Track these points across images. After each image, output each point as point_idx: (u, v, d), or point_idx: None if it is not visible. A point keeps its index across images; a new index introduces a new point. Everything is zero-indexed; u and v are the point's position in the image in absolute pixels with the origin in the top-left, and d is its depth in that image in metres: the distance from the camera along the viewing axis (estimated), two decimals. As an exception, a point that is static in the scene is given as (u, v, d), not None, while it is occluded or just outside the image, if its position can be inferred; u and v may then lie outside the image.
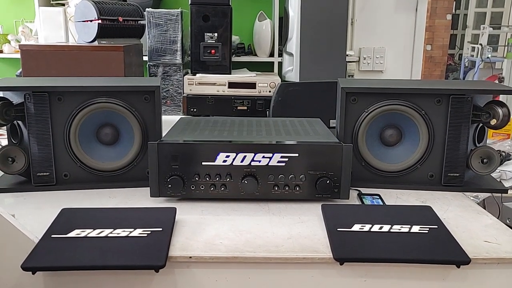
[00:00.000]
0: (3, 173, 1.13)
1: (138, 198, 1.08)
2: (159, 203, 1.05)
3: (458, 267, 0.81)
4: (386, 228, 0.89)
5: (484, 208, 1.32)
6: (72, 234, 0.84)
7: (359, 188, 1.14)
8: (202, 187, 1.04)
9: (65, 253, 0.79)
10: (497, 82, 4.51)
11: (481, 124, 1.16)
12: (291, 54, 2.48)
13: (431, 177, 1.16)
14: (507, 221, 1.79)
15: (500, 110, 1.11)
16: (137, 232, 0.85)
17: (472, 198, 1.36)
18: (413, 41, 3.16)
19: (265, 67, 2.83)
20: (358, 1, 3.07)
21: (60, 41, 2.37)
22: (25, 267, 0.75)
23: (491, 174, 1.18)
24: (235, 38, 2.76)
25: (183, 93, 2.28)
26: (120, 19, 2.03)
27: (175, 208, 0.96)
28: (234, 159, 1.02)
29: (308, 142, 1.05)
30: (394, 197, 1.11)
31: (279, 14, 2.76)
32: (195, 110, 2.25)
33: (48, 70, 1.80)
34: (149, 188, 1.04)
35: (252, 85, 2.26)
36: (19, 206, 1.04)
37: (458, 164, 1.13)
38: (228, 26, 2.27)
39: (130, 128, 1.13)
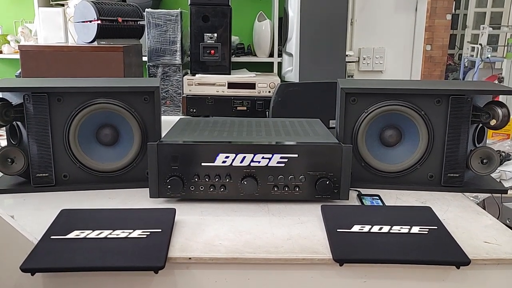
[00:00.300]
0: (2, 174, 1.13)
1: (137, 199, 1.08)
2: (159, 204, 1.05)
3: (458, 268, 0.81)
4: (385, 229, 0.89)
5: (484, 208, 1.31)
6: (72, 235, 0.84)
7: (358, 189, 1.13)
8: (202, 187, 1.04)
9: (65, 254, 0.78)
10: (496, 82, 4.51)
11: (480, 125, 1.16)
12: (290, 55, 2.47)
13: (430, 178, 1.16)
14: (507, 222, 1.79)
15: (499, 111, 1.11)
16: (136, 233, 0.85)
17: (472, 198, 1.36)
18: (412, 41, 3.16)
19: (265, 68, 2.83)
20: (358, 1, 3.07)
21: (59, 41, 2.37)
22: (24, 268, 0.75)
23: (491, 175, 1.18)
24: (234, 39, 2.76)
25: (183, 94, 2.27)
26: (120, 19, 2.03)
27: (175, 209, 0.95)
28: (233, 159, 1.02)
29: (307, 143, 1.05)
30: (394, 197, 1.11)
31: (279, 14, 2.76)
32: (194, 110, 2.25)
33: (47, 70, 1.80)
34: (148, 189, 1.04)
35: (251, 86, 2.26)
36: (18, 207, 1.03)
37: (457, 164, 1.13)
38: (228, 26, 2.27)
39: (130, 129, 1.13)
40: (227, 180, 1.03)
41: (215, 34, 2.26)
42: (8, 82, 1.16)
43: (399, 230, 0.88)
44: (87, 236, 0.84)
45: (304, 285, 0.83)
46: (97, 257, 0.78)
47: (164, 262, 0.77)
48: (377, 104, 1.13)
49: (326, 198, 1.05)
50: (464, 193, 1.15)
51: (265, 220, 0.96)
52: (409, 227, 0.89)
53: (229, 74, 2.32)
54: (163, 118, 1.20)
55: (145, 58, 2.30)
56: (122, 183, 1.14)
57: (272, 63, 2.83)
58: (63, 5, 2.58)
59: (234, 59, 2.72)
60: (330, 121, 1.84)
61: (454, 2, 3.47)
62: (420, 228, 0.89)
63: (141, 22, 2.19)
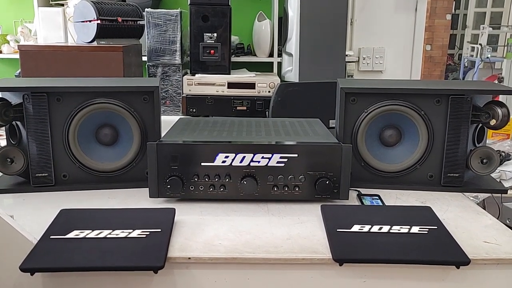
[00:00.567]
0: (2, 174, 1.13)
1: (137, 198, 1.08)
2: (158, 203, 1.05)
3: (458, 267, 0.81)
4: (385, 228, 0.88)
5: (484, 208, 1.31)
6: (71, 235, 0.84)
7: (358, 189, 1.13)
8: (201, 187, 1.03)
9: (64, 254, 0.78)
10: (496, 82, 4.51)
11: (480, 125, 1.16)
12: (290, 54, 2.47)
13: (430, 178, 1.16)
14: (507, 222, 1.79)
15: (499, 111, 1.11)
16: (136, 233, 0.85)
17: (471, 198, 1.36)
18: (412, 41, 3.16)
19: (265, 67, 2.83)
20: (357, 1, 3.07)
21: (59, 41, 2.37)
22: (23, 268, 0.75)
23: (490, 175, 1.18)
24: (234, 38, 2.76)
25: (182, 94, 2.27)
26: (119, 19, 2.03)
27: (174, 209, 0.95)
28: (233, 159, 1.02)
29: (307, 143, 1.05)
30: (394, 197, 1.11)
31: (279, 14, 2.76)
32: (194, 110, 2.25)
33: (47, 70, 1.80)
34: (148, 188, 1.03)
35: (251, 85, 2.26)
36: (18, 207, 1.03)
37: (457, 164, 1.13)
38: (228, 26, 2.27)
39: (129, 129, 1.13)
40: (227, 180, 1.03)
41: (215, 34, 2.26)
42: (7, 82, 1.16)
43: (399, 230, 0.88)
44: (87, 236, 0.84)
45: (304, 285, 0.83)
46: (96, 257, 0.78)
47: (164, 262, 0.77)
48: (377, 104, 1.13)
49: (326, 198, 1.05)
50: (464, 193, 1.15)
51: (264, 220, 0.96)
52: (409, 227, 0.89)
53: (229, 74, 2.32)
54: (162, 118, 1.20)
55: (144, 58, 2.30)
56: (121, 183, 1.14)
57: (272, 63, 2.83)
58: (62, 5, 2.58)
59: (234, 59, 2.72)
60: (330, 121, 1.84)
61: (454, 2, 3.47)
62: (420, 228, 0.89)
63: (140, 22, 2.19)
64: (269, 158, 1.02)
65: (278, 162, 1.03)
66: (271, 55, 2.83)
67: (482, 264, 0.82)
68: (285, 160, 1.02)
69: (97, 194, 1.11)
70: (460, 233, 0.91)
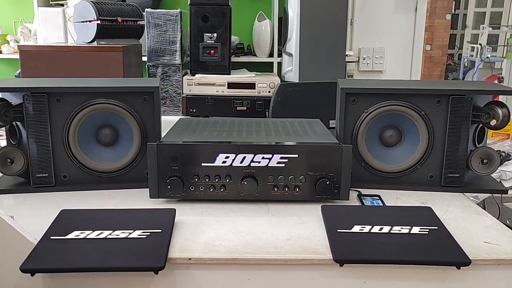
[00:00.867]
0: (2, 174, 1.12)
1: (137, 199, 1.08)
2: (159, 204, 1.05)
3: (458, 268, 0.81)
4: (386, 229, 0.88)
5: (484, 208, 1.31)
6: (71, 235, 0.84)
7: (359, 189, 1.13)
8: (202, 188, 1.03)
9: (64, 255, 0.78)
10: (496, 82, 4.51)
11: (481, 125, 1.16)
12: (290, 55, 2.47)
13: (431, 178, 1.15)
14: (507, 222, 1.79)
15: (500, 111, 1.11)
16: (136, 234, 0.85)
17: (471, 198, 1.36)
18: (412, 41, 3.16)
19: (265, 68, 2.83)
20: (357, 1, 3.07)
21: (59, 41, 2.37)
22: (24, 269, 0.75)
23: (491, 175, 1.18)
24: (234, 39, 2.76)
25: (182, 94, 2.27)
26: (119, 19, 2.03)
27: (175, 209, 0.95)
28: (233, 160, 1.02)
29: (307, 143, 1.05)
30: (394, 198, 1.11)
31: (279, 14, 2.76)
32: (194, 110, 2.25)
33: (47, 70, 1.80)
34: (148, 189, 1.03)
35: (251, 86, 2.26)
36: (18, 207, 1.03)
37: (458, 164, 1.13)
38: (228, 26, 2.27)
39: (129, 129, 1.13)
40: (227, 180, 1.03)
41: (215, 34, 2.26)
42: (7, 82, 1.16)
43: (399, 231, 0.88)
44: (87, 237, 0.84)
45: (304, 286, 0.83)
46: (97, 258, 0.78)
47: (164, 262, 0.77)
48: (377, 104, 1.13)
49: (326, 198, 1.05)
50: (464, 193, 1.15)
51: (265, 221, 0.96)
52: (409, 227, 0.89)
53: (229, 74, 2.32)
54: (162, 118, 1.19)
55: (144, 58, 2.30)
56: (121, 183, 1.14)
57: (272, 63, 2.83)
58: (62, 5, 2.58)
59: (234, 59, 2.72)
60: (330, 121, 1.84)
61: (453, 2, 3.47)
62: (420, 229, 0.89)
63: (140, 22, 2.19)
64: (270, 159, 1.02)
65: (278, 163, 1.02)
66: (271, 55, 2.83)
67: (483, 264, 0.82)
68: (286, 160, 1.02)
69: (97, 195, 1.10)
70: (461, 233, 0.91)
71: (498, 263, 0.82)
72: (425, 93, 1.12)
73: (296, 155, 1.02)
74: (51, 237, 0.84)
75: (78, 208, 0.98)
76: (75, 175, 1.13)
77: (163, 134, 1.15)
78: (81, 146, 1.12)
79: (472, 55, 5.24)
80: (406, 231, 0.88)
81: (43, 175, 1.11)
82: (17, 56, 1.88)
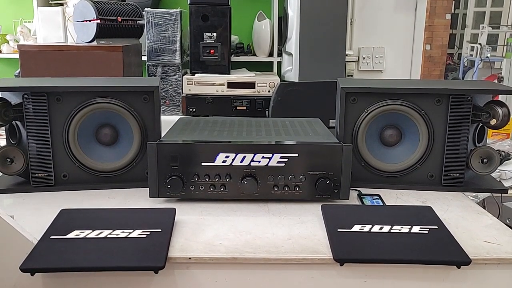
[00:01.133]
0: (1, 173, 1.12)
1: (137, 198, 1.08)
2: (159, 203, 1.05)
3: (459, 267, 0.81)
4: (386, 228, 0.88)
5: (484, 208, 1.31)
6: (71, 235, 0.84)
7: (359, 188, 1.13)
8: (202, 187, 1.03)
9: (64, 254, 0.78)
10: (496, 81, 4.51)
11: (481, 124, 1.16)
12: (290, 54, 2.47)
13: (431, 177, 1.15)
14: (507, 221, 1.79)
15: (500, 110, 1.11)
16: (136, 233, 0.85)
17: (471, 198, 1.36)
18: (412, 40, 3.16)
19: (264, 67, 2.83)
20: (357, 0, 3.07)
21: (59, 41, 2.37)
22: (23, 269, 0.75)
23: (491, 174, 1.18)
24: (234, 38, 2.76)
25: (182, 93, 2.27)
26: (119, 19, 2.03)
27: (175, 209, 0.95)
28: (233, 159, 1.02)
29: (307, 142, 1.05)
30: (394, 197, 1.11)
31: (279, 14, 2.76)
32: (194, 110, 2.25)
33: (46, 70, 1.80)
34: (148, 188, 1.03)
35: (251, 85, 2.26)
36: (18, 207, 1.03)
37: (458, 164, 1.13)
38: (227, 26, 2.27)
39: (129, 129, 1.13)
40: (227, 180, 1.03)
41: (215, 34, 2.26)
42: (7, 81, 1.16)
43: (399, 230, 0.88)
44: (87, 236, 0.84)
45: (304, 285, 0.83)
46: (97, 257, 0.78)
47: (164, 262, 0.77)
48: (377, 103, 1.13)
49: (326, 198, 1.05)
50: (464, 193, 1.15)
51: (265, 220, 0.96)
52: (409, 226, 0.89)
53: (229, 73, 2.32)
54: (162, 117, 1.19)
55: (144, 58, 2.30)
56: (121, 183, 1.14)
57: (272, 62, 2.83)
58: (62, 4, 2.58)
59: (234, 58, 2.72)
60: (330, 120, 1.84)
61: (453, 2, 3.47)
62: (420, 228, 0.89)
63: (140, 22, 2.19)
64: (270, 158, 1.02)
65: (278, 162, 1.02)
66: (271, 54, 2.83)
67: (483, 264, 0.82)
68: (286, 160, 1.02)
69: (97, 194, 1.10)
70: (461, 232, 0.91)
71: (499, 262, 0.82)
72: (425, 92, 1.12)
73: (296, 155, 1.02)
74: (51, 237, 0.83)
75: (78, 208, 0.98)
76: (75, 174, 1.13)
77: (163, 134, 1.15)
78: (81, 146, 1.12)
79: (471, 55, 5.24)
80: (406, 230, 0.88)
81: (43, 174, 1.11)
82: (16, 55, 1.88)
